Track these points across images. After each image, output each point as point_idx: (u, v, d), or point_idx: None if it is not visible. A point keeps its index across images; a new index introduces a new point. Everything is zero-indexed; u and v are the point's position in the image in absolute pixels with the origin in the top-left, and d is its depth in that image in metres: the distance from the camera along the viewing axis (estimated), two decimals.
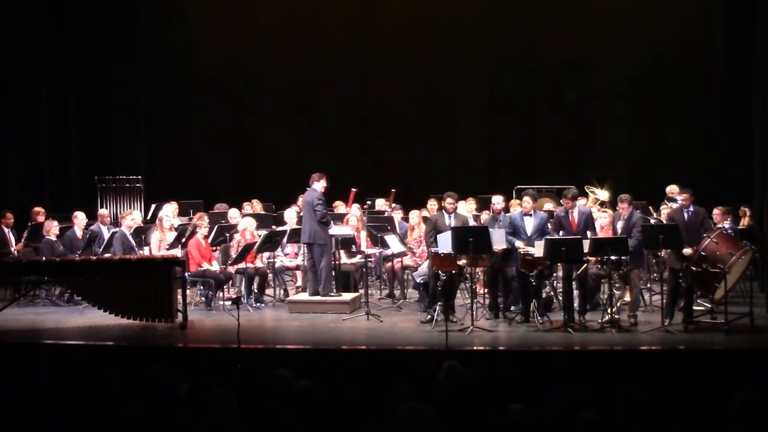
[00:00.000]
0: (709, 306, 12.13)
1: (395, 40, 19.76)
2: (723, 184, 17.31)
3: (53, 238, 14.39)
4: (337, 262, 13.88)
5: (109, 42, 19.16)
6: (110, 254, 13.68)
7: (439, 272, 11.95)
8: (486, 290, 13.08)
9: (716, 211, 13.37)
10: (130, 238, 13.86)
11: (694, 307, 12.01)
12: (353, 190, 16.11)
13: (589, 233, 12.18)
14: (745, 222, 15.20)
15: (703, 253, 11.32)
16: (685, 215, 12.00)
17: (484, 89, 19.82)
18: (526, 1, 19.60)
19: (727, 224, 13.19)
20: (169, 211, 14.80)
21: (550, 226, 12.72)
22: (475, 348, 10.89)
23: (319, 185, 13.55)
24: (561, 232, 12.40)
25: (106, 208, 17.44)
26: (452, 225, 12.36)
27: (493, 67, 19.71)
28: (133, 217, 14.36)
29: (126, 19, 19.41)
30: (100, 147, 18.99)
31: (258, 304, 13.98)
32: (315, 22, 20.01)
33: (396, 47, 19.77)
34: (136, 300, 12.19)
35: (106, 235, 14.56)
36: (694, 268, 11.40)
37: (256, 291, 14.17)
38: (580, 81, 19.25)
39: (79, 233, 14.83)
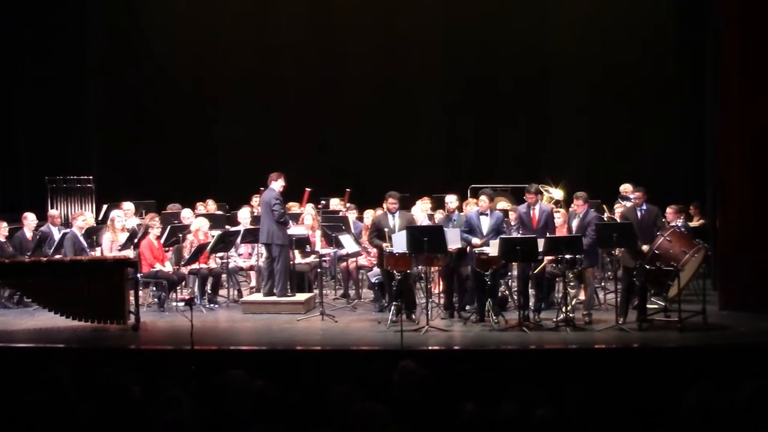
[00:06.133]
0: (663, 304, 12.27)
1: (350, 38, 19.72)
2: (675, 183, 17.48)
3: (2, 239, 14.23)
4: (292, 262, 13.85)
5: (60, 40, 18.95)
6: (61, 255, 13.57)
7: (394, 272, 11.98)
8: (441, 290, 13.14)
9: (669, 210, 13.50)
10: (81, 239, 13.77)
11: (648, 306, 12.14)
12: (307, 189, 16.07)
13: (548, 233, 12.24)
14: (696, 220, 15.35)
15: (656, 252, 11.44)
16: (638, 214, 12.14)
17: (441, 88, 19.81)
18: (485, 0, 19.64)
19: (680, 222, 13.34)
20: (122, 211, 14.71)
21: (506, 225, 12.80)
22: (430, 348, 10.94)
23: (277, 185, 13.51)
24: (521, 230, 12.47)
25: (57, 208, 17.24)
26: (396, 224, 12.48)
27: (450, 65, 19.71)
28: (84, 218, 14.29)
29: (76, 17, 19.19)
30: (50, 146, 18.77)
31: (211, 305, 13.94)
32: (269, 21, 19.90)
33: (351, 45, 19.73)
34: (88, 301, 12.10)
35: (57, 236, 14.43)
36: (647, 267, 11.51)
37: (209, 292, 14.14)
38: (536, 80, 19.31)
39: (29, 234, 14.68)
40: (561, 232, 12.76)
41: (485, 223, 12.43)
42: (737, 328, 11.79)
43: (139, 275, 12.87)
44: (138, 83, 19.81)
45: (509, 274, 13.35)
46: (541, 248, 11.69)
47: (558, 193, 15.67)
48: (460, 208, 13.46)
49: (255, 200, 15.97)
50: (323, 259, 14.34)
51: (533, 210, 12.45)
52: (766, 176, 12.82)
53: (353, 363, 9.82)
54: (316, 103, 19.72)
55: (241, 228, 14.73)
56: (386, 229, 12.54)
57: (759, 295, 12.69)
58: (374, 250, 13.94)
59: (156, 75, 19.82)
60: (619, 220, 12.94)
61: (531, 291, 12.60)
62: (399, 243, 11.99)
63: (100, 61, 19.70)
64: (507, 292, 13.43)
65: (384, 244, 12.44)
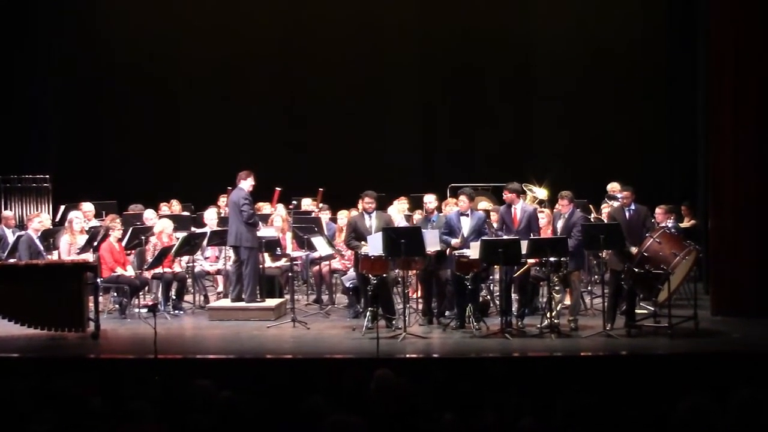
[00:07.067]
0: (653, 309, 12.28)
1: (323, 33, 19.67)
2: (665, 182, 17.58)
3: None
4: (261, 266, 13.82)
5: (14, 31, 18.80)
6: (15, 259, 13.48)
7: (369, 276, 11.96)
8: (419, 295, 13.14)
9: (659, 210, 13.57)
10: (37, 241, 13.68)
11: (637, 311, 12.16)
12: (277, 189, 16.04)
13: (532, 234, 12.25)
14: (687, 221, 15.43)
15: (645, 254, 11.46)
16: (627, 214, 12.16)
17: (418, 83, 19.82)
18: None
19: (670, 223, 13.40)
20: (81, 212, 14.62)
21: (487, 226, 12.81)
22: (407, 356, 10.95)
23: (246, 184, 13.46)
24: (503, 230, 12.49)
25: (11, 209, 17.16)
26: (373, 225, 12.48)
27: (428, 61, 19.71)
28: (40, 219, 14.20)
29: (35, 12, 19.05)
30: (4, 144, 18.62)
31: (176, 312, 13.90)
32: (236, 15, 19.80)
33: (324, 40, 19.66)
34: (44, 308, 12.02)
35: (11, 238, 14.33)
36: (636, 270, 11.53)
37: (174, 297, 14.09)
38: (519, 75, 19.36)
39: None
40: (545, 233, 12.79)
41: (466, 224, 12.43)
42: (730, 334, 11.86)
43: (99, 280, 12.78)
44: (98, 79, 19.67)
45: (491, 277, 13.38)
46: (524, 250, 11.70)
47: (542, 193, 15.72)
48: (439, 209, 13.46)
49: (222, 200, 15.92)
50: (294, 262, 14.32)
51: (514, 209, 12.48)
52: (760, 176, 12.91)
53: (327, 372, 9.82)
54: (287, 99, 19.70)
55: (207, 230, 14.68)
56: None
57: (752, 299, 12.77)
58: (348, 253, 13.93)
59: (117, 70, 19.69)
60: (606, 221, 12.98)
61: (514, 296, 12.63)
62: (375, 245, 11.99)
63: (58, 57, 19.49)
64: (488, 296, 13.45)
65: (362, 245, 12.38)
